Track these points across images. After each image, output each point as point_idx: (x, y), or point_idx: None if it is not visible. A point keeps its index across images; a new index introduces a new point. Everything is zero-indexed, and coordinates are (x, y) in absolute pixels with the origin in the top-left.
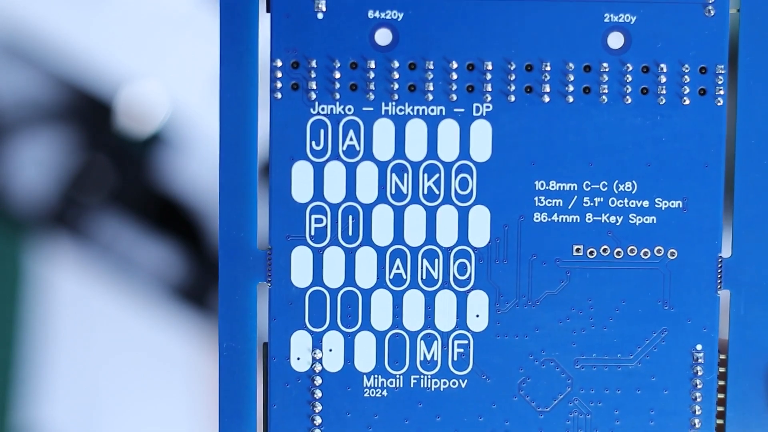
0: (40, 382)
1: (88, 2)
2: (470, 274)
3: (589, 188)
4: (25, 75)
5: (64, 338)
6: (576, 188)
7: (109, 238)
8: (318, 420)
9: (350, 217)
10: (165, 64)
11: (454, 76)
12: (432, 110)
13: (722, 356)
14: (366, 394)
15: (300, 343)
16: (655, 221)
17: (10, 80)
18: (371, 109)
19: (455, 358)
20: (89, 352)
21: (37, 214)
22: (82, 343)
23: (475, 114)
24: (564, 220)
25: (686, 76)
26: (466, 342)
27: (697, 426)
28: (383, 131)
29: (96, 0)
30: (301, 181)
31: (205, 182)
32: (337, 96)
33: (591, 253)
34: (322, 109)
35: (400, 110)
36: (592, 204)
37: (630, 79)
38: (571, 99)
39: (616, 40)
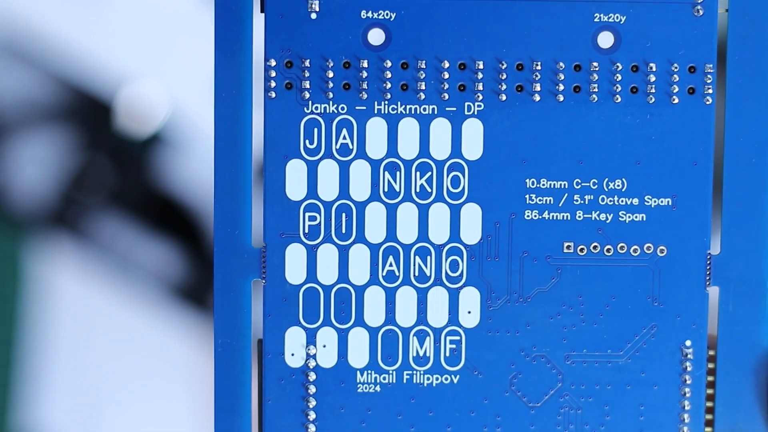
0: (40, 382)
1: (88, 2)
2: (462, 271)
3: (579, 186)
4: (25, 75)
5: (64, 338)
6: (566, 186)
7: (109, 238)
8: (312, 415)
9: (343, 214)
10: (165, 64)
11: (446, 76)
12: (424, 109)
13: (711, 352)
14: (359, 390)
15: (294, 339)
16: (644, 219)
17: (10, 80)
18: (364, 108)
19: (447, 354)
20: (89, 352)
21: (37, 214)
22: (82, 343)
23: (466, 113)
24: (555, 218)
25: (675, 75)
26: (458, 338)
27: (686, 421)
28: (376, 130)
29: (96, 0)
30: (295, 179)
31: (205, 182)
32: (331, 95)
33: (581, 250)
34: (316, 108)
35: (393, 109)
36: (582, 202)
37: (620, 78)
38: (561, 98)
39: (605, 40)
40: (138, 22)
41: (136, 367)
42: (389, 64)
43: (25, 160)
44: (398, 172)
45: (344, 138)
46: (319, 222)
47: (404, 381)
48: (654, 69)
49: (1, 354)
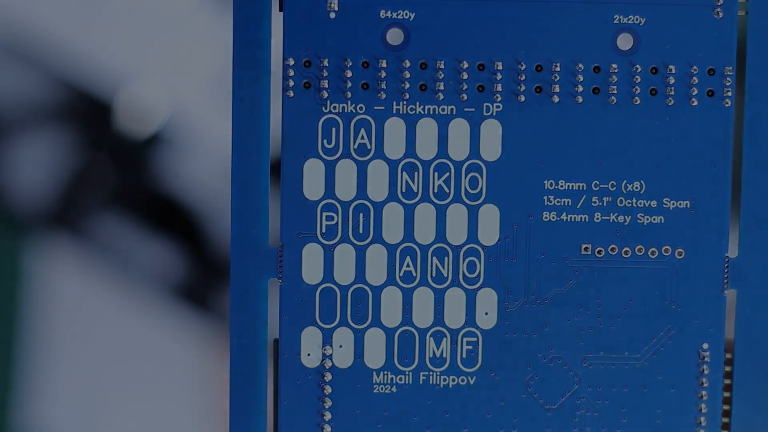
0: (40, 382)
1: (88, 2)
2: (479, 272)
3: (597, 188)
4: (25, 75)
5: (64, 338)
6: (585, 188)
7: (109, 238)
8: (327, 416)
9: (361, 214)
10: (165, 64)
11: (465, 76)
12: (443, 109)
13: (728, 355)
14: (375, 390)
15: (310, 339)
16: (662, 221)
17: (10, 80)
18: (382, 108)
19: (464, 355)
20: (89, 353)
21: (37, 214)
22: (82, 343)
23: (485, 113)
24: (573, 220)
25: (694, 78)
26: (474, 339)
27: (703, 424)
28: (394, 130)
29: (96, 0)
30: (312, 178)
31: (206, 182)
32: (349, 95)
33: (599, 252)
34: (334, 107)
35: (411, 109)
36: (600, 203)
37: (639, 80)
38: (580, 99)
39: (625, 42)
40: (138, 22)
41: (135, 367)
42: (408, 64)
43: (25, 160)
44: (416, 173)
45: (362, 138)
46: (337, 222)
47: (420, 382)
48: (673, 71)
49: (1, 354)
